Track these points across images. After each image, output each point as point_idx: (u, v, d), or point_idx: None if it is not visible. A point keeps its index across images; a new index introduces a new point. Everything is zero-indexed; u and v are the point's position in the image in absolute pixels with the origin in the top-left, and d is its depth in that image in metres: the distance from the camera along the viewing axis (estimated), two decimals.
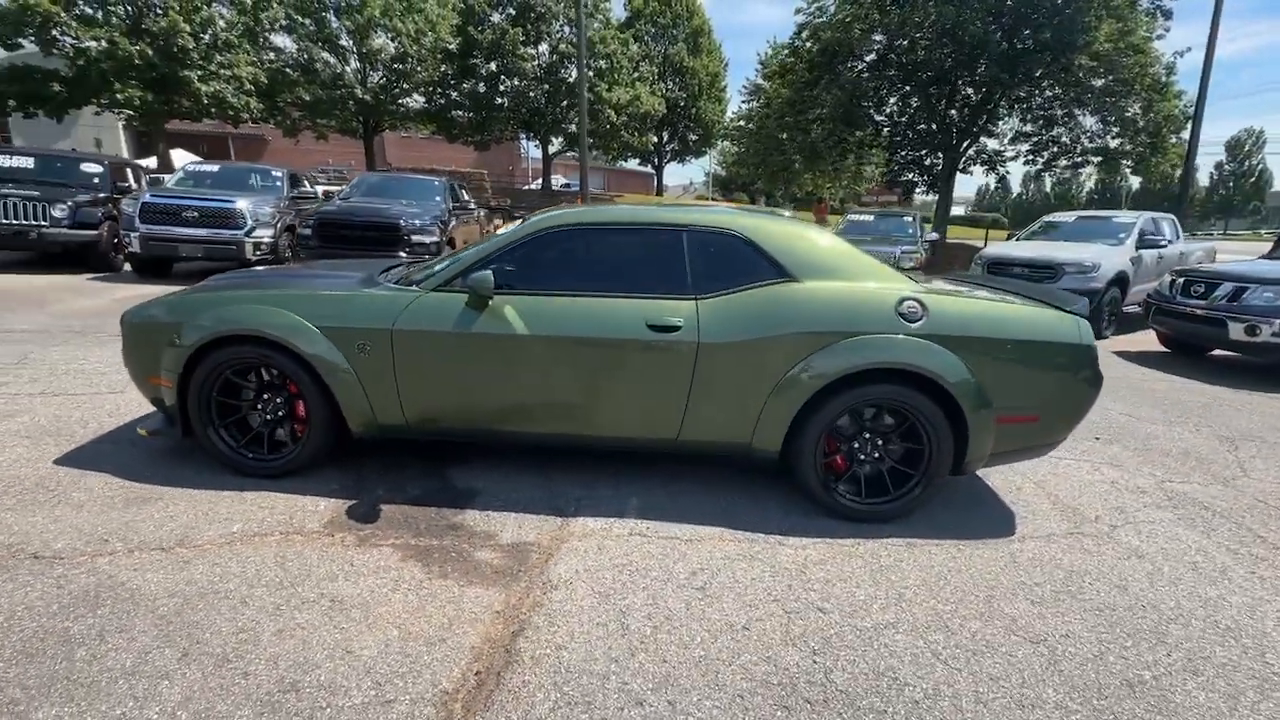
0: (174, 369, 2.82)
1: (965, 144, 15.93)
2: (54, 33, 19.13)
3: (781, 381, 2.67)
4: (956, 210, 43.86)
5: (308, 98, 24.07)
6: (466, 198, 10.49)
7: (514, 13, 25.46)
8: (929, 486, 2.78)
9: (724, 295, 2.75)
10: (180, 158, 24.12)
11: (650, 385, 2.74)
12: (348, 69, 24.88)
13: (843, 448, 2.83)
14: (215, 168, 9.73)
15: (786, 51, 18.12)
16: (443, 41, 24.73)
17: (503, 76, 25.71)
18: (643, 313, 2.72)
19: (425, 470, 3.11)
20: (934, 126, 15.78)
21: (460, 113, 26.44)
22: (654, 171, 36.62)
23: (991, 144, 16.61)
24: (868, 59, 15.06)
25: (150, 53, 19.38)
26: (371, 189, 9.60)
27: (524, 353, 2.73)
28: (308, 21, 23.77)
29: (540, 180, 32.62)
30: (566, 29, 25.97)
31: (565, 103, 26.19)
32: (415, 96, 26.47)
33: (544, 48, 26.49)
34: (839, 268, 2.83)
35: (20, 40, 19.08)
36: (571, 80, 25.97)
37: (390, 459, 3.21)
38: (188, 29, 19.71)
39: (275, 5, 23.25)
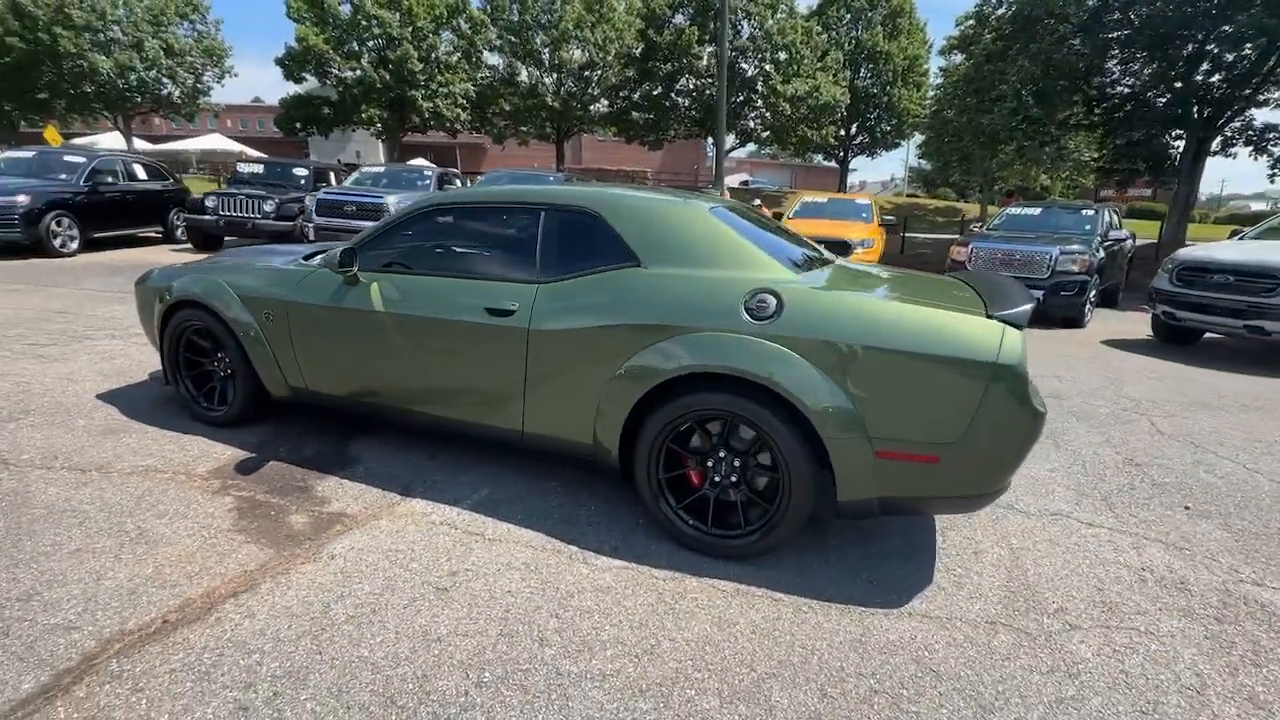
0: (156, 326, 3.39)
1: (1223, 118, 12.19)
2: (327, 68, 23.95)
3: (614, 378, 2.35)
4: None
5: (508, 107, 26.99)
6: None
7: (693, 11, 25.68)
8: (786, 526, 2.23)
9: (567, 279, 2.49)
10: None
11: (488, 371, 2.60)
12: (545, 79, 27.27)
13: (693, 463, 2.40)
14: (382, 169, 11.43)
15: (970, 21, 15.34)
16: (627, 47, 25.94)
17: (678, 76, 26.14)
18: (485, 295, 2.58)
19: (335, 437, 3.32)
20: (1173, 98, 12.30)
21: (638, 114, 27.50)
22: (839, 167, 34.37)
23: (1262, 116, 12.57)
24: (1077, 19, 12.20)
25: (388, 77, 23.32)
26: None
27: (381, 331, 2.77)
28: (514, 39, 26.51)
29: (712, 178, 32.54)
30: (745, 24, 25.53)
31: (738, 98, 25.79)
32: (601, 102, 28.17)
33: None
34: (697, 253, 2.39)
35: (304, 75, 24.26)
36: (747, 75, 25.52)
37: (315, 423, 3.48)
38: (416, 54, 23.30)
39: (489, 28, 26.39)
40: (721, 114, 12.54)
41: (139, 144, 28.53)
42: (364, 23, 23.21)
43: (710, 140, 35.19)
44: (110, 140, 27.13)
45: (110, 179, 10.15)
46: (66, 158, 10.03)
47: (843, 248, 8.24)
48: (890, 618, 2.07)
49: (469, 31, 26.14)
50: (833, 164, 36.31)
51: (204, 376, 3.43)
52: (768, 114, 26.35)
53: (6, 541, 2.25)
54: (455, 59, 25.66)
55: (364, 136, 32.18)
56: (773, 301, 2.18)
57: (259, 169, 11.31)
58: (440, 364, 2.70)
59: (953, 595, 2.20)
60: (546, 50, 26.52)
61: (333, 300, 2.87)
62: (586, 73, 27.04)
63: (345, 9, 23.51)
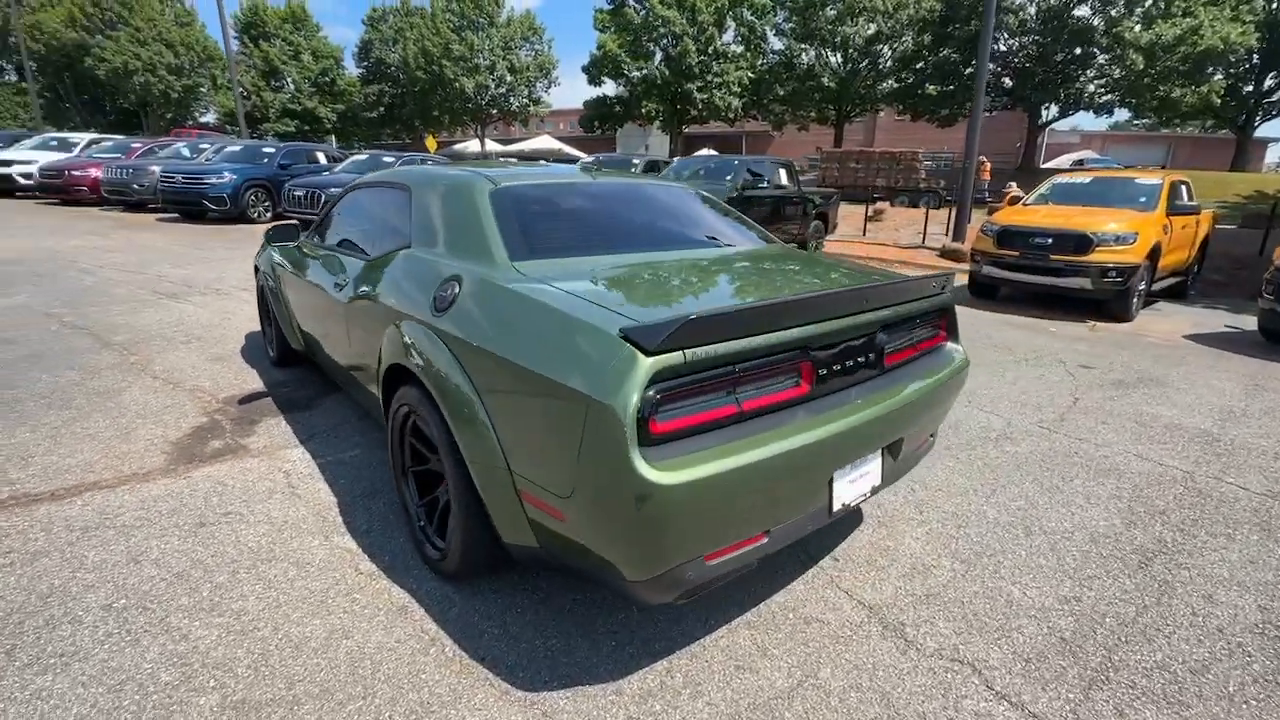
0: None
1: None
2: (621, 70, 26.71)
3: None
4: None
5: (782, 92, 26.40)
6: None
7: None
8: (465, 555, 1.87)
9: (376, 259, 2.46)
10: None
11: (338, 341, 2.75)
12: (830, 58, 25.84)
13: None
14: (631, 157, 12.42)
15: None
16: (922, 10, 22.89)
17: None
18: (340, 271, 2.72)
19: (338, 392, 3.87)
20: None
21: (931, 86, 24.14)
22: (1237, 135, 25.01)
23: None
24: None
25: (667, 73, 24.93)
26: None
27: (303, 298, 3.15)
28: (798, 20, 25.71)
29: (1024, 156, 26.76)
30: None
31: (1064, 55, 20.57)
32: (888, 81, 25.51)
33: None
34: (447, 236, 2.09)
35: (603, 79, 27.47)
36: (1080, 24, 20.09)
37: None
38: (694, 49, 24.37)
39: (774, 12, 26.08)
40: (982, 65, 10.26)
41: (491, 145, 36.09)
42: (653, 24, 25.15)
43: (1039, 113, 29.05)
44: (471, 144, 34.90)
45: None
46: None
47: (1082, 243, 6.12)
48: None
49: (752, 19, 26.23)
50: (1227, 134, 26.58)
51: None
52: (1116, 71, 20.41)
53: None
54: (734, 49, 26.09)
55: (659, 130, 35.03)
56: (453, 290, 1.84)
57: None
58: (321, 326, 2.98)
59: None
60: (829, 29, 25.06)
61: (291, 270, 3.36)
62: (874, 46, 24.76)
63: (639, 14, 25.82)
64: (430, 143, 27.66)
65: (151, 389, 3.71)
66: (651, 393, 1.32)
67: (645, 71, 25.53)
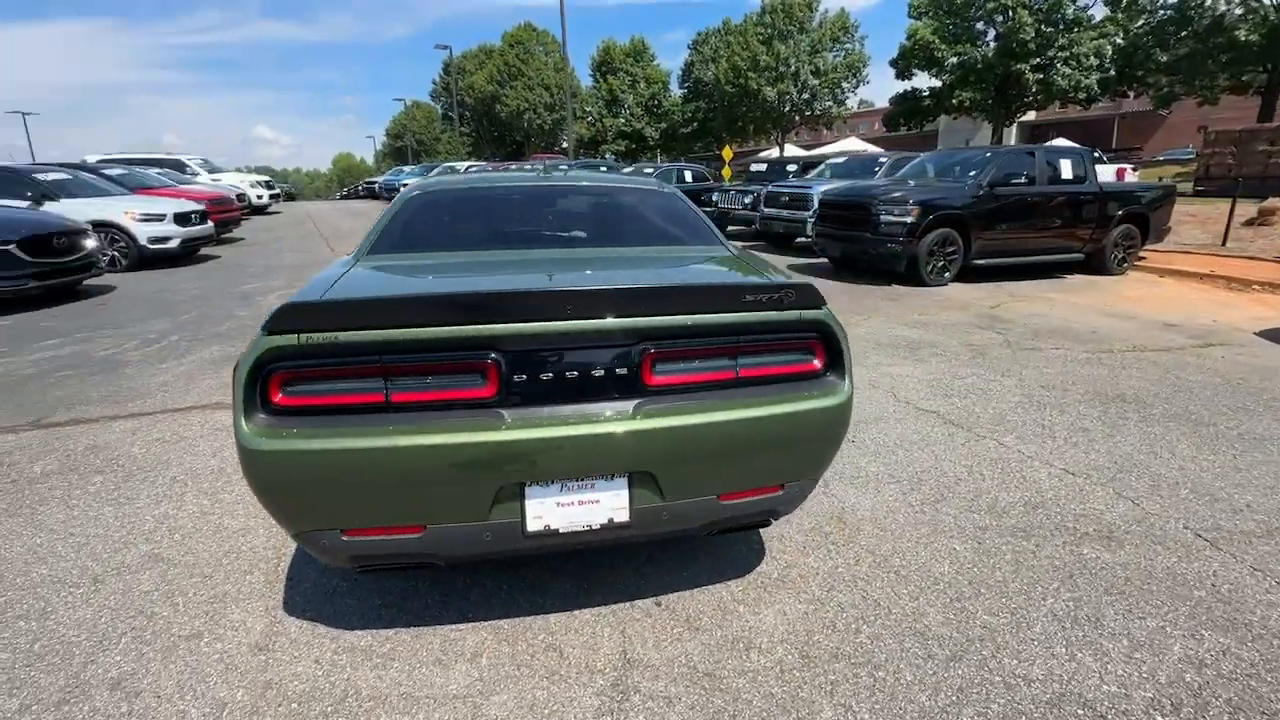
0: None
1: None
2: (935, 57, 23.97)
3: None
4: None
5: (1167, 57, 20.18)
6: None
7: None
8: None
9: None
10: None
11: None
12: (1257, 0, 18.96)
13: None
14: (844, 160, 11.39)
15: None
16: None
17: None
18: None
19: None
20: None
21: None
22: None
23: None
24: None
25: (990, 54, 21.37)
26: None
27: None
28: None
29: None
30: None
31: None
32: None
33: None
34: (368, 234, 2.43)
35: (913, 71, 24.99)
36: None
37: None
38: (1029, 21, 20.37)
39: None
40: None
41: (790, 150, 36.06)
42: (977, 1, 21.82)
43: None
44: (771, 152, 35.41)
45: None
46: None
47: None
48: None
49: None
50: None
51: None
52: None
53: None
54: (1092, 13, 20.87)
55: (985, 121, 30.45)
56: None
57: (762, 167, 13.29)
58: None
59: None
60: None
61: None
62: None
63: None
64: (726, 152, 29.21)
65: None
66: (269, 367, 1.47)
67: (963, 56, 22.31)
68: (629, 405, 1.57)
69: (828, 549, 2.18)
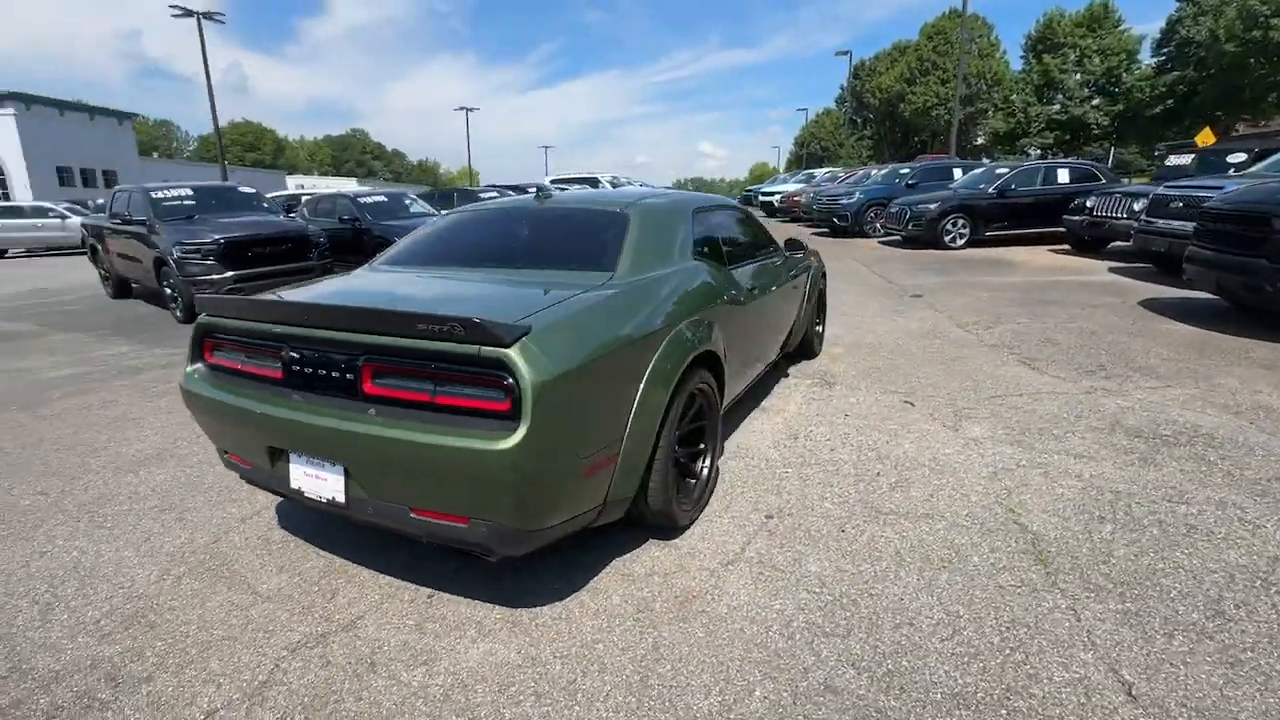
0: None
1: None
2: None
3: None
4: None
5: None
6: None
7: None
8: None
9: None
10: None
11: None
12: None
13: None
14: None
15: None
16: None
17: None
18: None
19: None
20: None
21: None
22: None
23: None
24: None
25: None
26: None
27: None
28: None
29: None
30: None
31: None
32: None
33: None
34: None
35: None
36: None
37: None
38: None
39: None
40: None
41: None
42: None
43: None
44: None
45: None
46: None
47: None
48: None
49: None
50: None
51: None
52: None
53: None
54: None
55: None
56: None
57: (1184, 159, 9.40)
58: None
59: None
60: None
61: None
62: None
63: None
64: (1203, 136, 21.61)
65: None
66: (200, 335, 2.27)
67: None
68: (349, 407, 1.83)
69: None
